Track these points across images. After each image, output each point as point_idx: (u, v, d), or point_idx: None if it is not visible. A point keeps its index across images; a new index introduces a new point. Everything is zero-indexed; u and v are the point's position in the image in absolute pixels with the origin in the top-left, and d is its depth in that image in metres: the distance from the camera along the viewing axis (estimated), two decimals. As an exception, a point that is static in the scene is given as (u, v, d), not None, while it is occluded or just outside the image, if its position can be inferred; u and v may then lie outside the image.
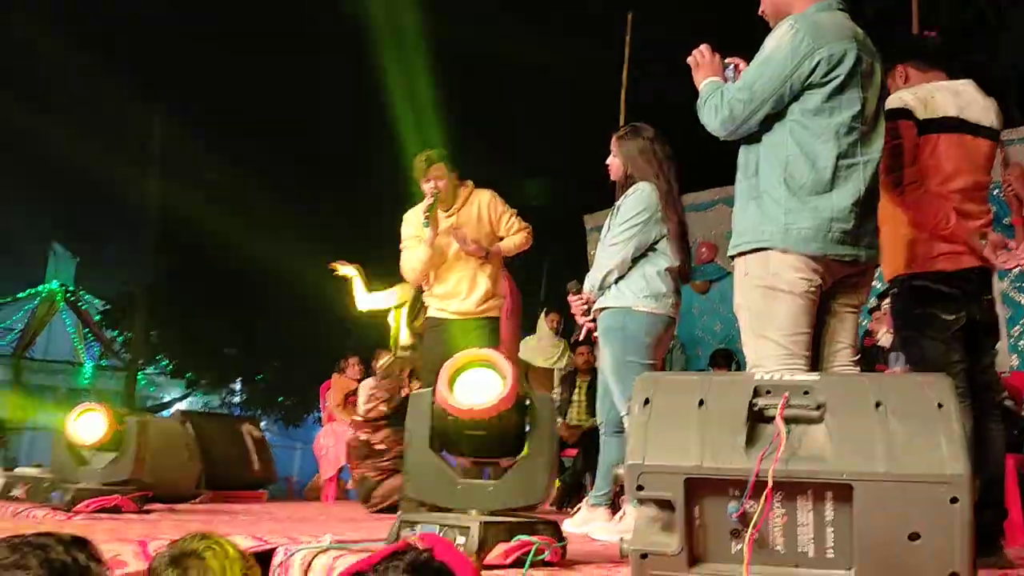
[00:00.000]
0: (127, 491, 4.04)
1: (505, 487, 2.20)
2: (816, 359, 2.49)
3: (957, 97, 2.95)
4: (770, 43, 2.51)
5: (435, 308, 4.34)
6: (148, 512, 4.05)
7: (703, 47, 2.69)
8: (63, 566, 1.15)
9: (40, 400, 19.87)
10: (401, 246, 4.36)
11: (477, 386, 2.19)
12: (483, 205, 4.33)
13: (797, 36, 2.44)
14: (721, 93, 2.54)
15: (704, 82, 2.63)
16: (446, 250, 4.27)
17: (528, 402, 2.23)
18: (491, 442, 2.24)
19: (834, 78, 2.43)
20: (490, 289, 4.31)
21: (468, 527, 2.03)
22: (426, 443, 2.27)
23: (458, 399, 2.15)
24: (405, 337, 5.23)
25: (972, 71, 3.09)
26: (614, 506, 3.51)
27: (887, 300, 4.21)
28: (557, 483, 6.42)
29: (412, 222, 4.33)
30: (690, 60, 2.70)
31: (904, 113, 2.85)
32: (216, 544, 1.60)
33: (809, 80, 2.43)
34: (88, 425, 4.15)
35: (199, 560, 1.58)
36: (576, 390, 6.55)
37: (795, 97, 2.46)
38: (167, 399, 21.05)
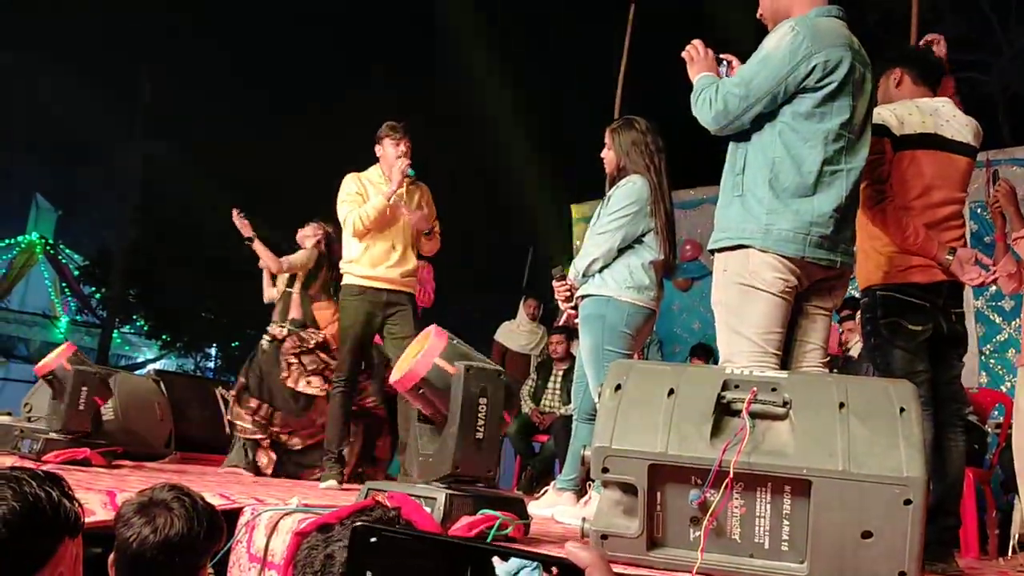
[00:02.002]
0: (97, 445, 4.07)
1: (434, 459, 2.24)
2: (786, 358, 2.53)
3: (935, 114, 3.01)
4: (770, 42, 2.53)
5: (358, 275, 4.34)
6: (117, 467, 4.07)
7: (697, 42, 2.72)
8: (36, 499, 1.17)
9: (14, 351, 19.76)
10: (341, 201, 4.36)
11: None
12: (425, 193, 4.51)
13: (797, 38, 2.47)
14: (717, 87, 2.56)
15: (698, 76, 2.66)
16: (389, 216, 4.33)
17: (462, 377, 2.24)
18: (436, 416, 2.30)
19: (827, 84, 2.46)
20: (416, 267, 4.47)
21: (435, 498, 2.06)
22: (416, 415, 2.34)
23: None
24: (295, 309, 5.16)
25: (965, 89, 3.15)
26: (581, 492, 3.55)
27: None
28: (517, 467, 6.50)
29: (356, 183, 4.37)
30: (684, 55, 2.73)
31: (882, 130, 2.90)
32: (186, 496, 1.62)
33: (804, 83, 2.46)
34: (46, 358, 4.32)
35: (167, 510, 1.60)
36: (552, 377, 6.59)
37: (788, 99, 2.49)
38: (141, 359, 20.96)
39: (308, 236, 5.39)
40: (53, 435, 4.02)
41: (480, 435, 2.15)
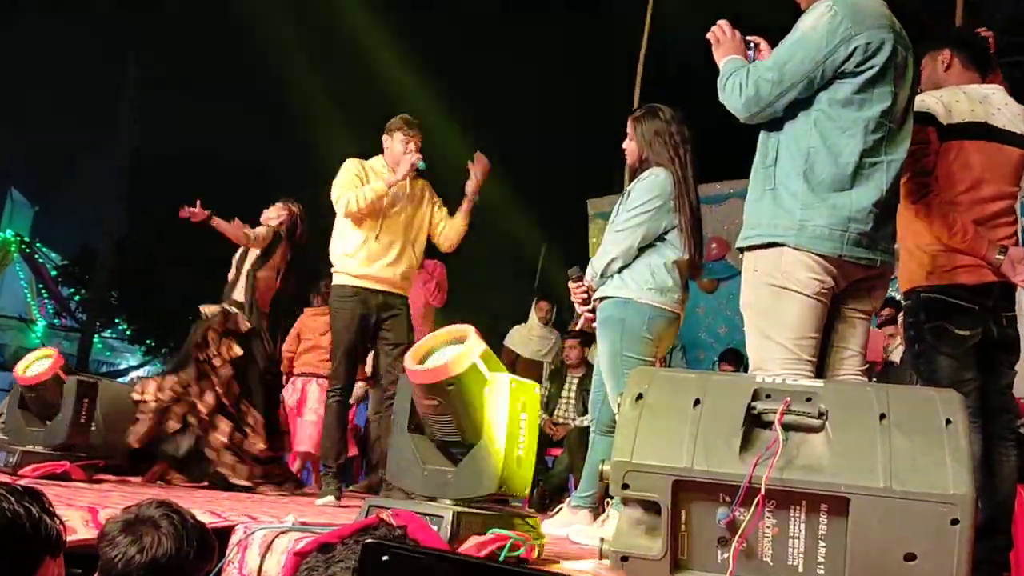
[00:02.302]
0: (77, 458, 4.09)
1: (461, 475, 2.23)
2: (822, 365, 2.53)
3: (985, 102, 2.99)
4: (805, 22, 2.52)
5: (352, 273, 4.36)
6: (98, 482, 4.09)
7: (723, 23, 2.71)
8: (15, 516, 1.18)
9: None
10: (338, 182, 4.40)
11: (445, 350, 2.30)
12: (427, 188, 4.59)
13: (836, 18, 2.46)
14: (748, 71, 2.56)
15: (725, 59, 2.65)
16: (387, 209, 4.36)
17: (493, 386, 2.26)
18: (453, 427, 2.29)
19: (868, 68, 2.45)
20: (414, 266, 4.54)
21: (441, 516, 2.07)
22: (405, 424, 2.32)
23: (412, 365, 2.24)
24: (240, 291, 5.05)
25: (1017, 74, 3.13)
26: (599, 510, 3.55)
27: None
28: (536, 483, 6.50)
29: (357, 167, 4.43)
30: (710, 36, 2.73)
31: (927, 118, 2.89)
32: (174, 513, 1.63)
33: (843, 67, 2.45)
34: (35, 368, 4.25)
35: (154, 528, 1.61)
36: (566, 386, 6.60)
37: (825, 85, 2.48)
38: (123, 366, 21.06)
39: (272, 217, 5.30)
40: (30, 448, 4.04)
41: (521, 452, 2.17)
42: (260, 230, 5.20)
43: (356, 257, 4.33)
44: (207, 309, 4.99)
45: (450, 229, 4.59)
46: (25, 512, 1.19)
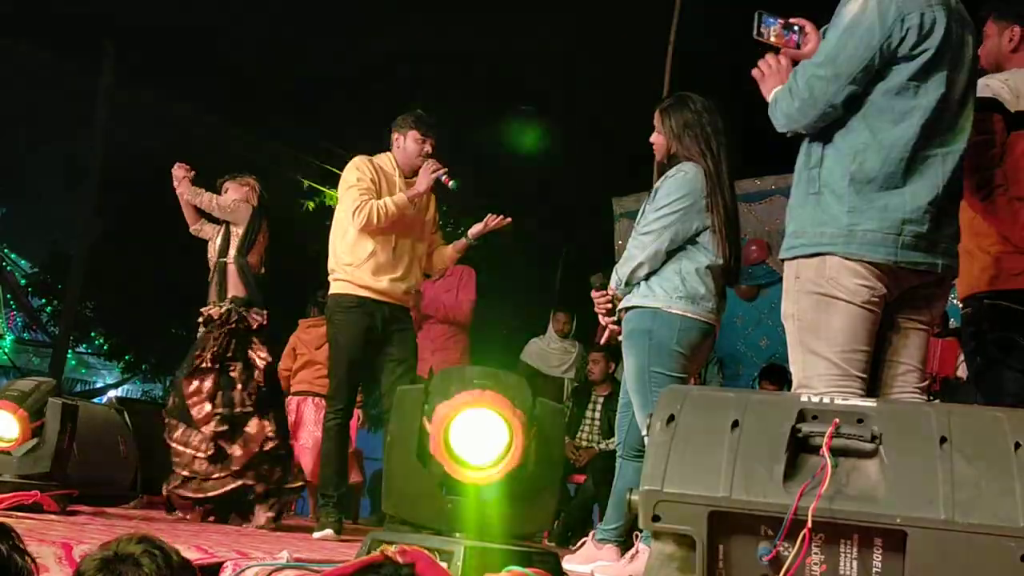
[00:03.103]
0: (48, 488, 4.11)
1: (505, 510, 2.24)
2: (874, 382, 2.52)
3: None
4: (850, 8, 2.51)
5: (357, 283, 4.38)
6: (72, 514, 4.11)
7: (769, 57, 2.70)
8: (-17, 555, 1.20)
9: (-52, 376, 19.97)
10: (350, 185, 4.42)
11: (475, 434, 2.28)
12: (432, 200, 4.67)
13: (884, 1, 2.46)
14: (795, 74, 2.55)
15: (774, 91, 2.64)
16: (404, 219, 4.42)
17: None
18: None
19: (923, 51, 2.45)
20: (420, 280, 4.65)
21: (452, 552, 2.07)
22: (412, 451, 2.33)
23: (459, 456, 2.24)
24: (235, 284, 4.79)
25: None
26: (627, 545, 3.55)
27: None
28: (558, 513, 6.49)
29: (368, 169, 4.46)
30: (755, 73, 2.71)
31: (993, 104, 2.87)
32: (157, 549, 1.64)
33: (898, 51, 2.45)
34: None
35: (135, 566, 1.61)
36: (590, 405, 6.60)
37: (879, 72, 2.47)
38: (100, 384, 21.16)
39: (238, 199, 4.95)
40: (-2, 476, 4.07)
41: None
42: (228, 199, 4.94)
43: (363, 268, 4.36)
44: (213, 311, 4.79)
45: (438, 256, 4.67)
46: (-7, 550, 1.21)
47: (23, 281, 20.33)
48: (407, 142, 4.48)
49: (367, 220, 4.28)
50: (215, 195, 4.93)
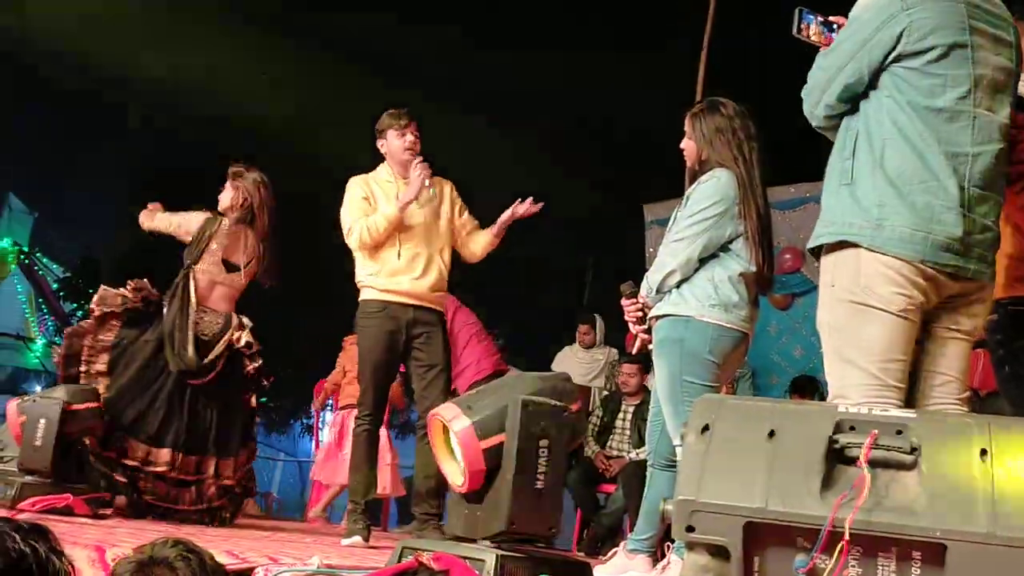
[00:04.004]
0: (79, 491, 4.16)
1: (481, 512, 2.24)
2: (913, 392, 2.50)
3: None
4: (859, 3, 2.56)
5: (378, 288, 4.40)
6: (103, 517, 4.16)
7: None
8: (20, 556, 1.21)
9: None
10: (345, 209, 4.46)
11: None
12: (448, 190, 4.62)
13: None
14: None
15: None
16: (406, 222, 4.41)
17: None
18: None
19: (928, 48, 2.44)
20: (444, 277, 4.55)
21: (483, 560, 2.07)
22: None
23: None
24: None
25: None
26: (658, 555, 3.53)
27: None
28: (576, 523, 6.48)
29: (361, 187, 4.49)
30: None
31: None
32: (191, 553, 1.65)
33: (896, 49, 2.46)
34: None
35: (170, 571, 1.63)
36: (621, 414, 6.57)
37: (883, 67, 2.49)
38: (128, 389, 21.26)
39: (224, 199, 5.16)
40: (30, 479, 4.12)
41: (540, 484, 2.15)
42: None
43: (381, 275, 4.39)
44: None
45: (476, 242, 4.64)
46: (32, 551, 1.22)
47: (55, 285, 20.54)
48: (389, 141, 4.51)
49: (359, 240, 4.34)
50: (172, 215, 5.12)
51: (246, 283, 5.08)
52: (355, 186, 4.50)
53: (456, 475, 2.31)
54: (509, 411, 2.19)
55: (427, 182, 4.37)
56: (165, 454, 4.65)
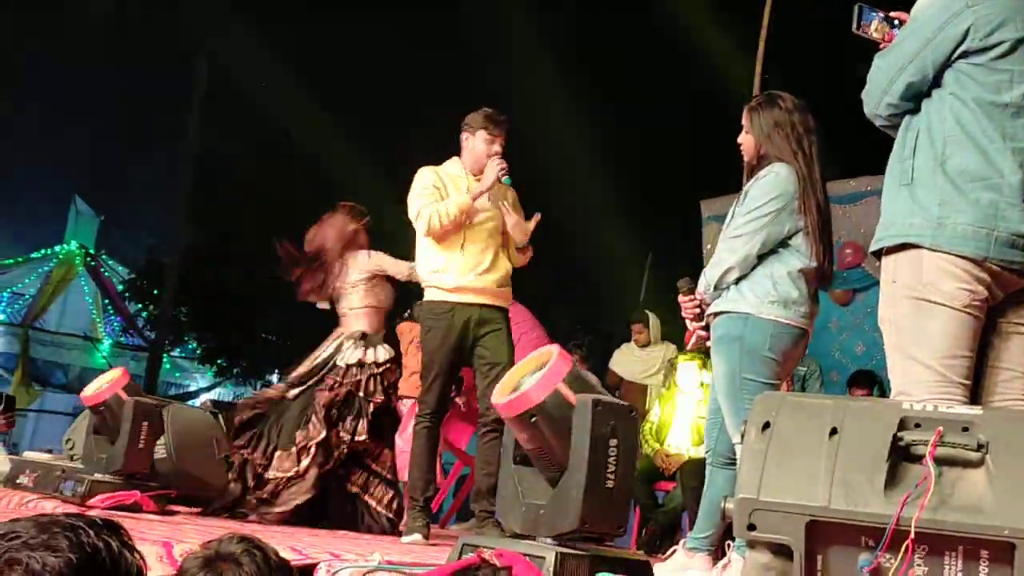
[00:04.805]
0: (148, 488, 4.24)
1: (549, 511, 2.24)
2: (978, 388, 2.45)
3: None
4: (921, 1, 2.52)
5: (445, 287, 4.41)
6: (170, 514, 4.24)
7: None
8: (94, 550, 1.24)
9: (49, 378, 20.73)
10: (415, 195, 4.47)
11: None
12: (512, 198, 4.61)
13: None
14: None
15: None
16: (473, 217, 4.43)
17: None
18: (548, 459, 2.31)
19: (994, 45, 2.41)
20: (509, 273, 4.57)
21: (543, 557, 2.08)
22: (511, 455, 2.36)
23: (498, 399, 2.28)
24: None
25: None
26: (719, 554, 3.51)
27: None
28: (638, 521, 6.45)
29: (433, 175, 4.50)
30: None
31: None
32: (257, 549, 1.68)
33: (961, 46, 2.42)
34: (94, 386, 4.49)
35: (236, 566, 1.66)
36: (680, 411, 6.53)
37: (948, 65, 2.45)
38: (193, 388, 21.71)
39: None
40: (99, 476, 4.21)
41: (611, 483, 2.16)
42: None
43: (448, 271, 4.40)
44: None
45: (515, 257, 4.64)
46: (105, 546, 1.25)
47: (120, 287, 20.96)
48: (476, 141, 4.49)
49: (428, 226, 4.33)
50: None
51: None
52: (426, 173, 4.51)
53: (502, 393, 2.33)
54: (578, 410, 2.20)
55: (504, 175, 4.38)
56: None
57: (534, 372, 2.31)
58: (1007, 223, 2.37)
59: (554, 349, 2.35)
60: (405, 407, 6.64)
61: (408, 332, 6.99)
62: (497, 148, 4.46)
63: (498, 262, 4.49)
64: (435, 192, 4.42)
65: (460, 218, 4.34)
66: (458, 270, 4.39)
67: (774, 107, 3.59)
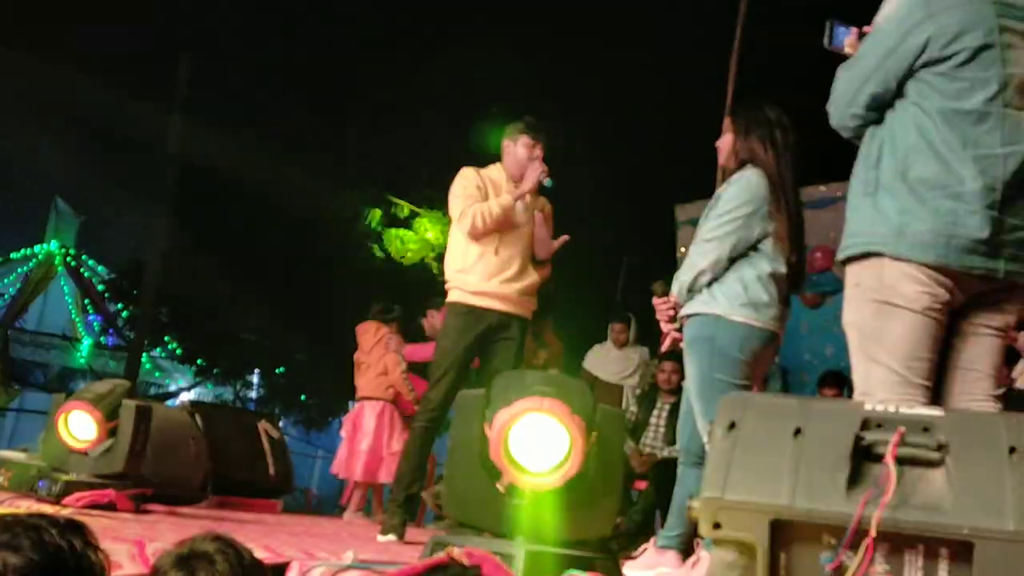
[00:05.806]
0: (123, 487, 4.21)
1: (564, 515, 2.24)
2: (943, 389, 2.47)
3: None
4: (882, 11, 2.54)
5: (468, 289, 4.40)
6: (145, 512, 4.21)
7: None
8: (57, 550, 1.23)
9: (29, 378, 20.56)
10: (457, 195, 4.47)
11: (535, 440, 2.28)
12: (548, 212, 4.63)
13: (908, 3, 2.46)
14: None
15: None
16: (513, 221, 4.42)
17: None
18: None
19: (955, 52, 2.42)
20: (535, 283, 4.53)
21: (512, 555, 2.08)
22: (475, 454, 2.34)
23: (519, 463, 2.25)
24: None
25: None
26: (688, 551, 3.52)
27: None
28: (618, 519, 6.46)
29: (476, 177, 4.50)
30: None
31: None
32: (230, 548, 1.67)
33: (923, 56, 2.44)
34: (77, 426, 4.35)
35: (209, 564, 1.65)
36: (656, 411, 6.55)
37: (910, 75, 2.47)
38: (173, 388, 21.58)
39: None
40: (74, 476, 4.18)
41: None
42: None
43: (473, 272, 4.39)
44: None
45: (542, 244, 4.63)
46: (68, 546, 1.24)
47: (101, 287, 20.81)
48: (518, 148, 4.48)
49: (472, 224, 4.31)
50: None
51: None
52: (469, 174, 4.51)
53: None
54: (603, 420, 2.23)
55: (545, 178, 4.38)
56: None
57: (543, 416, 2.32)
58: (967, 229, 2.39)
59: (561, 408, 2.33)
60: (375, 409, 6.66)
61: (373, 331, 7.00)
62: (538, 153, 4.46)
63: (526, 271, 4.47)
64: (477, 192, 4.42)
65: (502, 217, 4.34)
66: (483, 273, 4.38)
67: (755, 113, 3.62)
